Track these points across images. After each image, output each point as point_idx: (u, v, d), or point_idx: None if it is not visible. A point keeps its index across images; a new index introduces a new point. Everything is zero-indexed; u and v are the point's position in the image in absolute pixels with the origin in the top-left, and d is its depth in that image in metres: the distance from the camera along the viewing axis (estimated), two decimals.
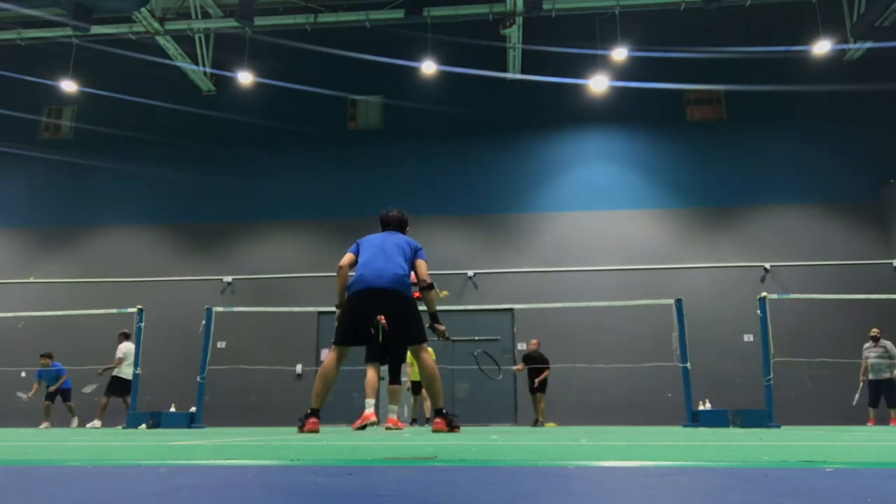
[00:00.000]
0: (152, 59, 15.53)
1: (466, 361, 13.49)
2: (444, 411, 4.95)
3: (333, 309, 5.42)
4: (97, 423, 11.11)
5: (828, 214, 14.25)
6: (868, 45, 14.36)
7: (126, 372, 11.26)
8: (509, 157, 15.25)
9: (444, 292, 6.79)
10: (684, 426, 7.73)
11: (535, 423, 11.78)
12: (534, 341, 12.10)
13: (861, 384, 11.29)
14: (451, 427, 4.94)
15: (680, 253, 14.26)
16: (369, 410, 6.17)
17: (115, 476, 1.35)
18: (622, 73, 15.25)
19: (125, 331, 11.51)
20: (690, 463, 1.63)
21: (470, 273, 14.40)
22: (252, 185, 15.63)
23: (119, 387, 11.33)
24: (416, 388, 10.99)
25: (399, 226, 5.68)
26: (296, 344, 14.24)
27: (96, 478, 1.32)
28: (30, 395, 12.07)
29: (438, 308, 5.38)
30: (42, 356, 12.04)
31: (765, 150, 14.81)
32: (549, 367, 11.74)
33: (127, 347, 11.41)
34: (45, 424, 11.49)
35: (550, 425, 12.12)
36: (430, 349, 5.25)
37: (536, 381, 11.61)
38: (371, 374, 6.39)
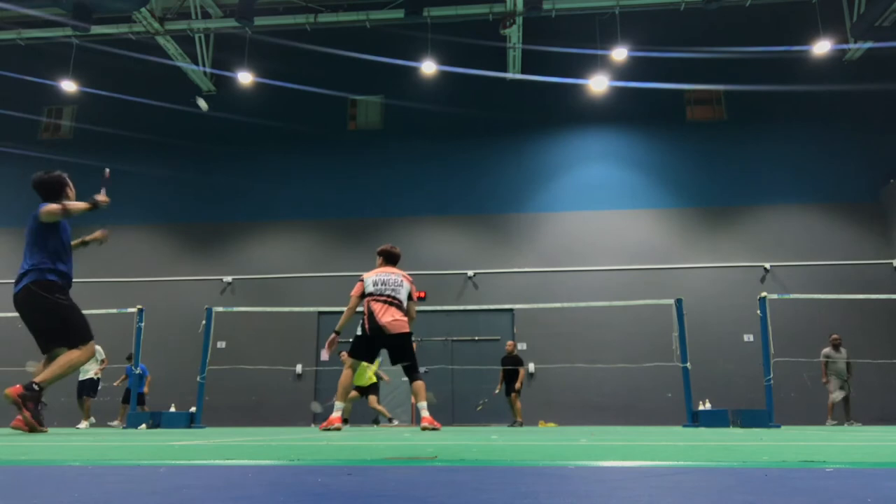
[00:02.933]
0: (152, 59, 15.53)
1: (466, 361, 13.51)
2: (35, 387, 4.39)
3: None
4: (84, 424, 11.07)
5: (828, 214, 14.25)
6: (868, 45, 14.37)
7: (86, 371, 11.32)
8: (509, 157, 15.26)
9: None
10: (684, 426, 7.73)
11: (514, 423, 11.71)
12: (510, 343, 12.28)
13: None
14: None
15: (680, 253, 14.26)
16: (336, 414, 5.91)
17: (115, 476, 1.35)
18: (622, 73, 15.25)
19: None
20: (691, 463, 1.63)
21: (470, 273, 14.40)
22: (252, 185, 15.63)
23: (81, 388, 11.36)
24: (364, 391, 10.89)
25: (50, 195, 4.85)
26: (296, 344, 14.24)
27: (96, 478, 1.32)
28: (117, 382, 12.30)
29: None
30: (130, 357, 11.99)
31: (765, 150, 14.81)
32: (522, 368, 11.90)
33: None
34: (117, 422, 11.63)
35: (550, 425, 12.12)
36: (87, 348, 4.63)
37: (517, 384, 11.65)
38: (348, 373, 6.10)
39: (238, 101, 16.19)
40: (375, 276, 6.23)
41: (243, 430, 7.80)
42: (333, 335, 6.17)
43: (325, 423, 5.91)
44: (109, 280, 15.03)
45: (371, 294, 6.14)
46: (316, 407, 12.29)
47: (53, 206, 4.68)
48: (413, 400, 6.33)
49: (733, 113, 15.26)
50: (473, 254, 14.58)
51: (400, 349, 6.09)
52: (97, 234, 5.29)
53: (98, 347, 11.58)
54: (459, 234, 14.80)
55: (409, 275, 6.46)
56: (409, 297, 6.27)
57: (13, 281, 4.70)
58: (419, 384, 6.06)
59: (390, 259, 6.45)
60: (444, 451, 2.21)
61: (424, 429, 5.66)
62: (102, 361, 11.67)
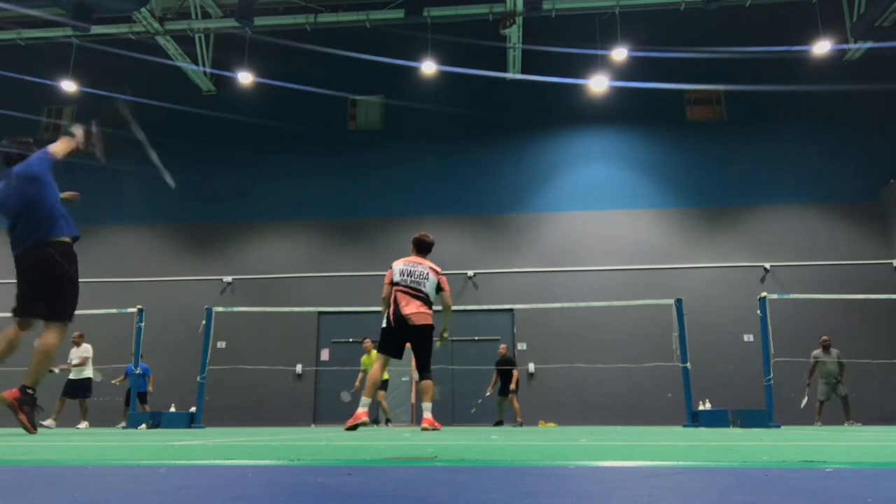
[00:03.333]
0: (152, 59, 15.53)
1: (466, 361, 13.51)
2: (30, 391, 4.30)
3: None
4: (51, 423, 10.79)
5: (828, 214, 14.25)
6: (868, 45, 14.37)
7: (80, 371, 11.14)
8: (509, 157, 15.26)
9: None
10: (684, 426, 7.73)
11: (499, 423, 11.75)
12: (503, 346, 12.26)
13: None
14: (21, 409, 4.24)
15: (680, 253, 14.26)
16: (362, 409, 5.81)
17: (115, 476, 1.35)
18: (622, 73, 15.25)
19: (82, 333, 11.28)
20: (690, 463, 1.63)
21: (470, 273, 14.41)
22: (252, 185, 15.63)
23: (73, 388, 11.14)
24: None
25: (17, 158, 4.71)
26: (296, 344, 14.24)
27: (96, 478, 1.32)
28: (115, 381, 12.22)
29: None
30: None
31: (765, 150, 14.81)
32: (517, 369, 11.97)
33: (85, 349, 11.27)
34: (122, 424, 11.45)
35: (551, 425, 12.13)
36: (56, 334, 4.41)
37: (512, 384, 11.72)
38: (377, 368, 5.95)
39: (238, 101, 16.19)
40: (402, 266, 6.14)
41: (243, 430, 7.80)
42: (386, 324, 6.08)
43: (350, 421, 5.78)
44: (109, 280, 15.03)
45: (397, 284, 6.04)
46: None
47: (64, 142, 4.60)
48: (413, 399, 6.30)
49: (733, 113, 15.27)
50: (473, 254, 14.58)
51: (419, 342, 5.98)
52: (68, 194, 5.10)
53: (87, 345, 11.43)
54: (459, 234, 14.80)
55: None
56: (441, 289, 6.15)
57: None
58: (427, 383, 5.99)
59: (421, 248, 6.32)
60: (444, 451, 2.21)
61: (424, 429, 5.64)
62: (84, 360, 11.35)
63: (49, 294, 4.45)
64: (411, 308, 5.93)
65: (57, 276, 4.46)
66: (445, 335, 6.38)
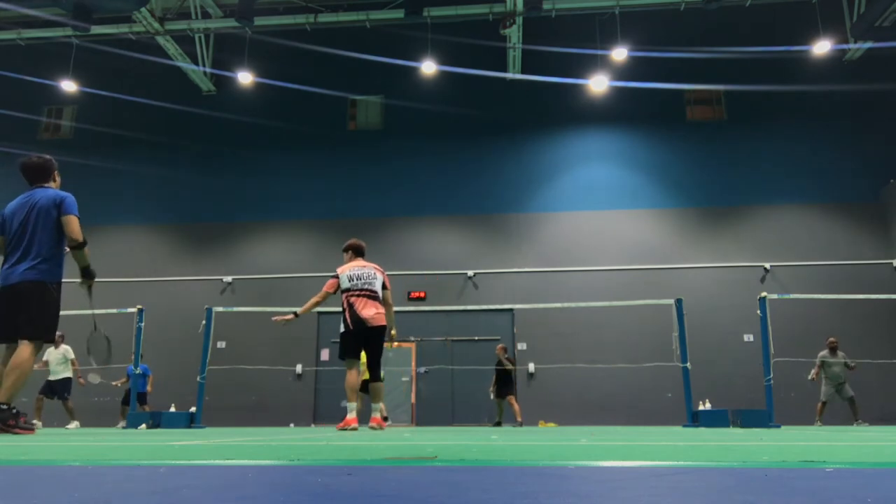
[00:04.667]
0: (152, 59, 15.53)
1: (465, 361, 13.51)
2: (3, 406, 4.24)
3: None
4: (38, 423, 10.67)
5: (828, 214, 14.25)
6: (868, 45, 14.37)
7: (56, 372, 10.98)
8: (509, 157, 15.26)
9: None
10: (684, 426, 7.73)
11: (497, 424, 11.62)
12: (500, 346, 12.07)
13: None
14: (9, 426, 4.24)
15: (680, 253, 14.26)
16: (351, 415, 5.94)
17: (115, 476, 1.35)
18: (622, 73, 15.25)
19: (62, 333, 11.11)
20: (690, 463, 1.63)
21: (470, 273, 14.40)
22: (252, 185, 15.63)
23: (51, 388, 10.98)
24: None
25: (43, 176, 4.71)
26: (296, 344, 14.24)
27: (96, 478, 1.32)
28: (116, 383, 12.11)
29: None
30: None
31: (765, 150, 14.81)
32: (513, 368, 11.85)
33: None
34: (122, 423, 11.35)
35: (551, 425, 12.13)
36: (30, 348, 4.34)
37: (512, 389, 11.68)
38: (351, 374, 6.10)
39: (238, 101, 16.18)
40: (350, 272, 6.28)
41: (243, 430, 7.80)
42: (292, 315, 6.27)
43: (341, 424, 6.01)
44: (109, 280, 15.01)
45: (348, 290, 6.19)
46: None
47: (78, 229, 4.59)
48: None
49: (733, 113, 15.26)
50: (473, 254, 14.58)
51: (374, 342, 6.14)
52: None
53: (67, 346, 11.28)
54: (459, 234, 14.80)
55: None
56: (384, 287, 6.36)
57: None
58: (379, 385, 6.18)
59: (360, 252, 6.53)
60: (444, 451, 2.21)
61: (372, 428, 5.86)
62: (72, 362, 11.16)
63: (42, 323, 4.47)
64: (369, 310, 6.10)
65: (51, 305, 4.54)
66: (394, 334, 6.53)
